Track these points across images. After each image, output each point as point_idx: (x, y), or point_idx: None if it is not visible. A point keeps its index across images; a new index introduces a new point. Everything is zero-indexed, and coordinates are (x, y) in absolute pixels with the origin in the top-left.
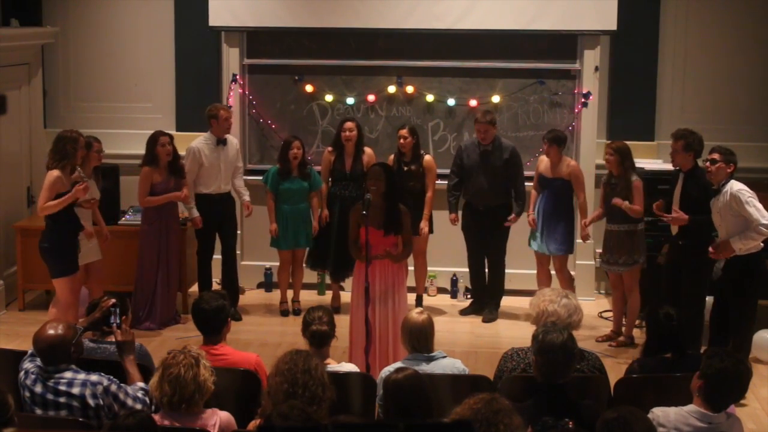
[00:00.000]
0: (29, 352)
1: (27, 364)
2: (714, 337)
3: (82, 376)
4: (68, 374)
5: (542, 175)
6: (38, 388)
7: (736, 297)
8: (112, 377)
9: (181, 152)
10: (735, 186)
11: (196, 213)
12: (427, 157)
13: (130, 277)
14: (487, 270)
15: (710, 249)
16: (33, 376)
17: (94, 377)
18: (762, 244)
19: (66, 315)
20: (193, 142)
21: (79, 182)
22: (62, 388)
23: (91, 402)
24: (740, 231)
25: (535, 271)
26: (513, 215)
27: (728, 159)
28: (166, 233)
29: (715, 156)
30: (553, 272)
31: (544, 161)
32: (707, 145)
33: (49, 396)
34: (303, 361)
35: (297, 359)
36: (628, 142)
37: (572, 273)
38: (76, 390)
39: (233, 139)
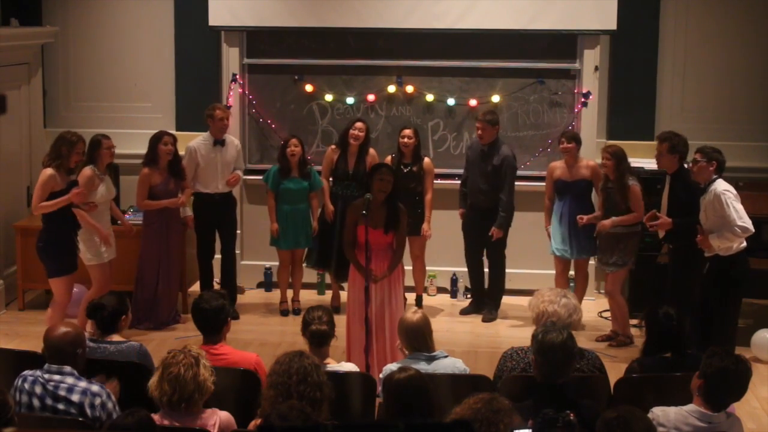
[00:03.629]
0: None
1: (27, 372)
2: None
3: (83, 384)
4: (69, 380)
5: (561, 180)
6: (37, 389)
7: (721, 297)
8: (110, 393)
9: (183, 152)
10: (720, 186)
11: (189, 212)
12: (427, 160)
13: (130, 277)
14: (486, 270)
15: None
16: (32, 378)
17: (95, 388)
18: (745, 244)
19: (61, 314)
20: (191, 142)
21: (77, 186)
22: (62, 393)
23: (88, 412)
24: (719, 229)
25: (535, 271)
26: (493, 228)
27: (709, 157)
28: (166, 233)
29: (697, 156)
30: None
31: (558, 167)
32: (707, 144)
33: (48, 401)
34: (296, 370)
35: (290, 370)
36: (628, 142)
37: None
38: (75, 397)
39: (234, 141)
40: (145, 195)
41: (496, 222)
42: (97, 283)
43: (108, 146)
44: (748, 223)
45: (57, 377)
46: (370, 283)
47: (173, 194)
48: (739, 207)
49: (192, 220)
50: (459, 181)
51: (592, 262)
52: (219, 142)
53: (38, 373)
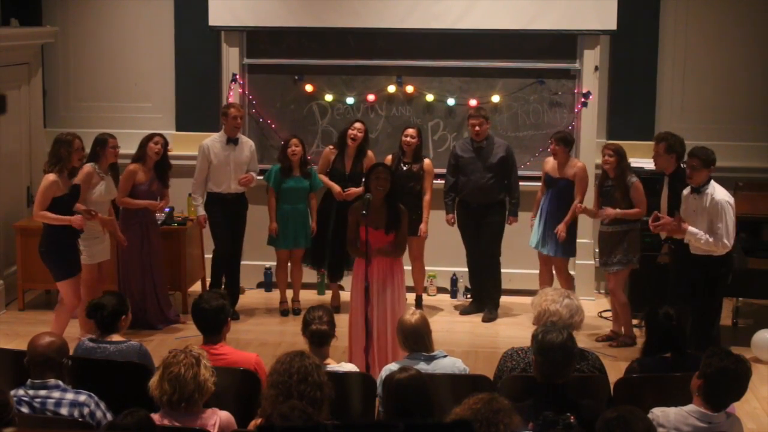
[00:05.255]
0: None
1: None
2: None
3: (70, 396)
4: (56, 393)
5: (548, 175)
6: (24, 410)
7: (706, 296)
8: (99, 401)
9: (183, 152)
10: (720, 195)
11: (201, 212)
12: (427, 161)
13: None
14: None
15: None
16: (15, 400)
17: (82, 397)
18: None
19: (69, 316)
20: (204, 140)
21: (85, 210)
22: (50, 408)
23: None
24: (704, 230)
25: (535, 271)
26: (509, 216)
27: (708, 161)
28: (147, 236)
29: (695, 162)
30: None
31: (550, 161)
32: (706, 145)
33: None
34: (297, 370)
35: (291, 369)
36: (628, 142)
37: (572, 273)
38: (64, 410)
39: (249, 142)
40: (127, 190)
41: (509, 211)
42: (84, 284)
43: (113, 145)
44: (731, 242)
45: (42, 392)
46: (368, 277)
47: (154, 196)
48: (732, 223)
49: (205, 219)
50: None
51: (591, 261)
52: (232, 140)
53: (20, 392)
